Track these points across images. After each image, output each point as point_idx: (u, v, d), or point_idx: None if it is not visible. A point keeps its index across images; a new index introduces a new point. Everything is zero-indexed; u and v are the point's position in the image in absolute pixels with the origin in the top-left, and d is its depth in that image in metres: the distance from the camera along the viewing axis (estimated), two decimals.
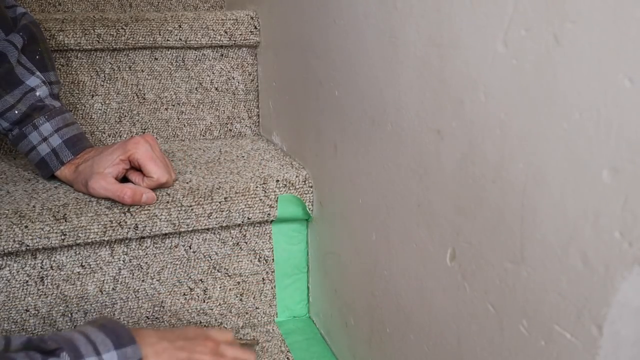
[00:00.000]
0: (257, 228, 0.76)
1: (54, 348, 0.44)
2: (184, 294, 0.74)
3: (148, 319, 0.73)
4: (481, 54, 0.39)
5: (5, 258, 0.64)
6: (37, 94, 0.69)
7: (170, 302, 0.73)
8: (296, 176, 0.74)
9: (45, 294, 0.67)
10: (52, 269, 0.66)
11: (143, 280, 0.71)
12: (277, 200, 0.73)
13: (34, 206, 0.63)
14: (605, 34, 0.30)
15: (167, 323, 0.74)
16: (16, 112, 0.67)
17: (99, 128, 0.87)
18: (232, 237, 0.75)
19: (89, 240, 0.65)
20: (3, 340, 0.44)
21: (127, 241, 0.69)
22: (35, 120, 0.68)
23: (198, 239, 0.73)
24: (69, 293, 0.68)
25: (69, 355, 0.44)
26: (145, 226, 0.67)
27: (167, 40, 0.85)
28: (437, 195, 0.46)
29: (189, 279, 0.74)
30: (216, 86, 0.91)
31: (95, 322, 0.51)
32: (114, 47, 0.83)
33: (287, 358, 0.72)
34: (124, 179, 0.68)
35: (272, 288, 0.79)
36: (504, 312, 0.39)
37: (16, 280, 0.65)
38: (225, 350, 0.62)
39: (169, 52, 0.87)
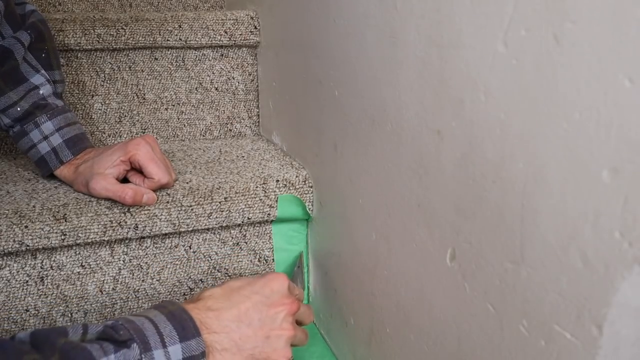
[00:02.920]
0: (257, 228, 0.76)
1: (125, 339, 0.45)
2: (184, 294, 0.74)
3: None
4: (481, 54, 0.39)
5: (5, 258, 0.64)
6: (41, 92, 0.69)
7: None
8: (296, 176, 0.74)
9: (45, 294, 0.67)
10: (52, 269, 0.66)
11: (143, 280, 0.71)
12: (277, 200, 0.73)
13: (34, 206, 0.63)
14: (605, 34, 0.30)
15: None
16: (18, 109, 0.68)
17: (99, 128, 0.87)
18: (232, 237, 0.75)
19: (89, 240, 0.65)
20: (81, 329, 0.46)
21: (127, 241, 0.69)
22: (37, 119, 0.68)
23: (198, 239, 0.73)
24: (69, 293, 0.68)
25: (139, 347, 0.45)
26: (145, 226, 0.67)
27: (167, 40, 0.85)
28: (437, 195, 0.46)
29: (189, 279, 0.74)
30: (216, 86, 0.91)
31: (164, 307, 0.51)
32: (114, 47, 0.83)
33: None
34: (124, 180, 0.68)
35: None
36: (504, 312, 0.39)
37: (16, 280, 0.65)
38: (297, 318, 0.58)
39: (169, 52, 0.87)
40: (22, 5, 0.72)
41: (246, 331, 0.53)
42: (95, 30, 0.81)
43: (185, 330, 0.48)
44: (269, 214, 0.73)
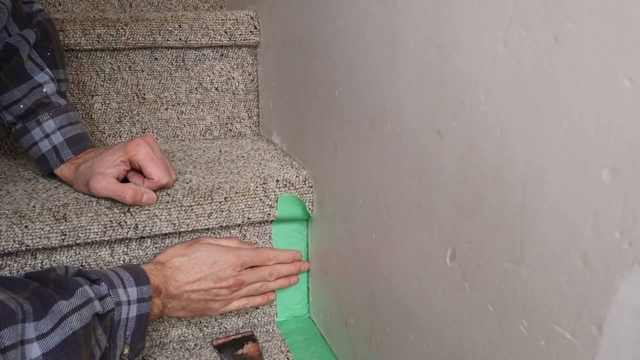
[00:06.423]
0: (257, 228, 0.76)
1: (96, 278, 0.58)
2: None
3: None
4: (481, 54, 0.39)
5: (5, 258, 0.64)
6: (44, 90, 0.69)
7: None
8: (296, 176, 0.74)
9: None
10: None
11: None
12: (277, 200, 0.73)
13: (34, 206, 0.63)
14: (605, 34, 0.30)
15: (167, 322, 0.74)
16: (21, 106, 0.68)
17: (99, 128, 0.87)
18: None
19: (89, 240, 0.65)
20: (64, 269, 0.58)
21: (127, 241, 0.69)
22: (39, 117, 0.68)
23: None
24: None
25: (107, 284, 0.57)
26: (145, 226, 0.67)
27: (167, 40, 0.85)
28: (437, 195, 0.46)
29: None
30: (216, 86, 0.91)
31: (122, 265, 0.67)
32: (114, 47, 0.83)
33: (287, 358, 0.72)
34: (124, 181, 0.68)
35: None
36: (504, 312, 0.40)
37: None
38: (244, 275, 0.72)
39: (169, 52, 0.87)
40: (29, 4, 0.72)
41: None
42: (95, 30, 0.81)
43: (139, 278, 0.61)
44: (269, 214, 0.73)
